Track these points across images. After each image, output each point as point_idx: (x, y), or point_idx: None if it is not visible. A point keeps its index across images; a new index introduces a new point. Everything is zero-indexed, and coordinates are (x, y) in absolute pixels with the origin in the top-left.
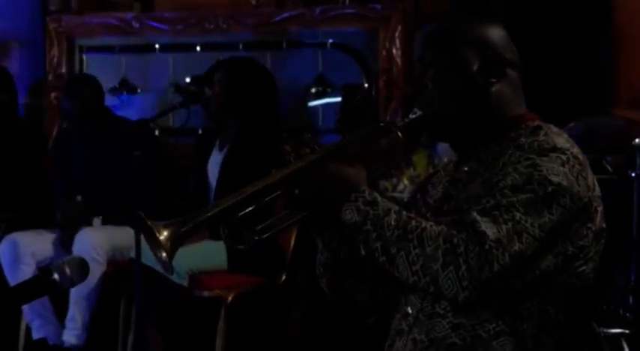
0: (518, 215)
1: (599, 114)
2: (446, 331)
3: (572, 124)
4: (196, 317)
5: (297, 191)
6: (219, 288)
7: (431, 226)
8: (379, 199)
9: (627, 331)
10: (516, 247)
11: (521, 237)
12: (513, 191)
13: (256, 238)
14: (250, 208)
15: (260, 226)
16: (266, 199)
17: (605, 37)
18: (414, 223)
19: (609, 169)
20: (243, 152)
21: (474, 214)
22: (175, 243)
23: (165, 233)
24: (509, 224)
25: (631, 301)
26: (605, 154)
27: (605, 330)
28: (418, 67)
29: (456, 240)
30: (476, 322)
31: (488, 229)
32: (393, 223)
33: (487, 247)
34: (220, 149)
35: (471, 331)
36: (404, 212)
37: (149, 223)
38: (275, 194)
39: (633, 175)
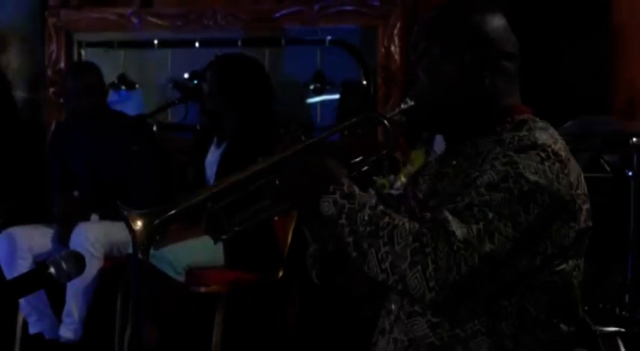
0: (490, 215)
1: (597, 112)
2: (424, 331)
3: (569, 123)
4: (193, 313)
5: (277, 181)
6: (216, 284)
7: (403, 223)
8: (357, 192)
9: (623, 330)
10: (487, 248)
11: (492, 237)
12: (488, 189)
13: (236, 228)
14: (233, 198)
15: (240, 217)
16: (248, 188)
17: (602, 35)
18: (387, 219)
19: (606, 167)
20: (242, 149)
21: (446, 212)
22: (151, 232)
23: (139, 223)
24: (481, 224)
25: (627, 299)
26: (602, 153)
27: (600, 328)
28: (412, 56)
29: (425, 239)
30: (454, 321)
31: (458, 229)
32: (366, 218)
33: (455, 247)
34: (218, 146)
35: (450, 331)
36: (380, 207)
37: (125, 212)
38: (257, 184)
39: (630, 173)
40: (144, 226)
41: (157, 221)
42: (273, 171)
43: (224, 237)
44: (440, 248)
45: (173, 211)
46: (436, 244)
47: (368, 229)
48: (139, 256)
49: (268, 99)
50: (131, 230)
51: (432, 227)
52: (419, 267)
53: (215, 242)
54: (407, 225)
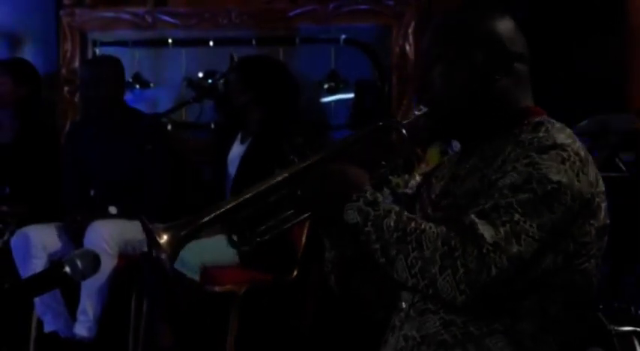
0: (516, 216)
1: (612, 111)
2: (436, 328)
3: (585, 122)
4: (207, 312)
5: (299, 192)
6: (231, 283)
7: (430, 227)
8: (380, 199)
9: (638, 329)
10: (515, 249)
11: (519, 239)
12: (512, 191)
13: (259, 239)
14: (254, 210)
15: (262, 228)
16: (268, 200)
17: (618, 34)
18: (413, 224)
19: (622, 166)
20: (266, 146)
21: (472, 216)
22: (176, 246)
23: (165, 237)
24: (508, 226)
25: None
26: (618, 152)
27: (616, 327)
28: (423, 62)
29: (454, 243)
30: (467, 319)
31: (486, 231)
32: (392, 224)
33: (485, 250)
34: (242, 142)
35: (463, 328)
36: (405, 213)
37: (149, 226)
38: (278, 195)
39: None
40: (169, 240)
41: (182, 234)
42: (294, 182)
43: (247, 248)
44: (469, 251)
45: (198, 224)
46: (465, 248)
47: (395, 235)
48: (166, 267)
49: (294, 97)
50: (155, 243)
51: (460, 231)
52: (449, 271)
53: (238, 252)
54: (434, 229)
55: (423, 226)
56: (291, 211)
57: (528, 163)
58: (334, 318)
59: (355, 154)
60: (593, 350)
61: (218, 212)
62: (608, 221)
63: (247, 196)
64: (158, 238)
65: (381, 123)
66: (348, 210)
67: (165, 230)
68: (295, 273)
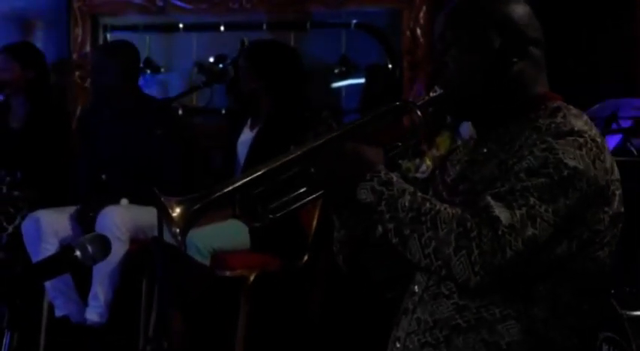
0: (532, 200)
1: (624, 95)
2: (450, 312)
3: (596, 106)
4: (218, 296)
5: (312, 169)
6: (242, 268)
7: (445, 208)
8: (395, 179)
9: None
10: (530, 232)
11: (535, 222)
12: (528, 175)
13: (271, 216)
14: (267, 186)
15: (275, 204)
16: (282, 177)
17: (628, 20)
18: (428, 205)
19: (633, 151)
20: (276, 131)
21: (488, 198)
22: (188, 220)
23: (178, 210)
24: (524, 209)
25: None
26: (629, 136)
27: (627, 312)
28: (439, 45)
29: (469, 224)
30: (481, 304)
31: (502, 214)
32: (407, 204)
33: (500, 232)
34: (252, 128)
35: (476, 314)
36: (419, 194)
37: (162, 199)
38: (291, 172)
39: None
40: (182, 213)
41: (194, 208)
42: (308, 159)
43: (258, 224)
44: (484, 233)
45: (211, 198)
46: (480, 229)
47: (409, 215)
48: (178, 242)
49: (302, 83)
50: (168, 217)
51: (475, 212)
52: (464, 251)
53: (249, 228)
54: (449, 210)
55: (437, 206)
56: (305, 188)
57: (545, 148)
58: (343, 304)
59: (370, 134)
60: (604, 335)
61: (231, 187)
62: (622, 209)
63: (261, 172)
64: (171, 211)
65: (396, 103)
66: (361, 189)
67: (178, 204)
68: (306, 259)
